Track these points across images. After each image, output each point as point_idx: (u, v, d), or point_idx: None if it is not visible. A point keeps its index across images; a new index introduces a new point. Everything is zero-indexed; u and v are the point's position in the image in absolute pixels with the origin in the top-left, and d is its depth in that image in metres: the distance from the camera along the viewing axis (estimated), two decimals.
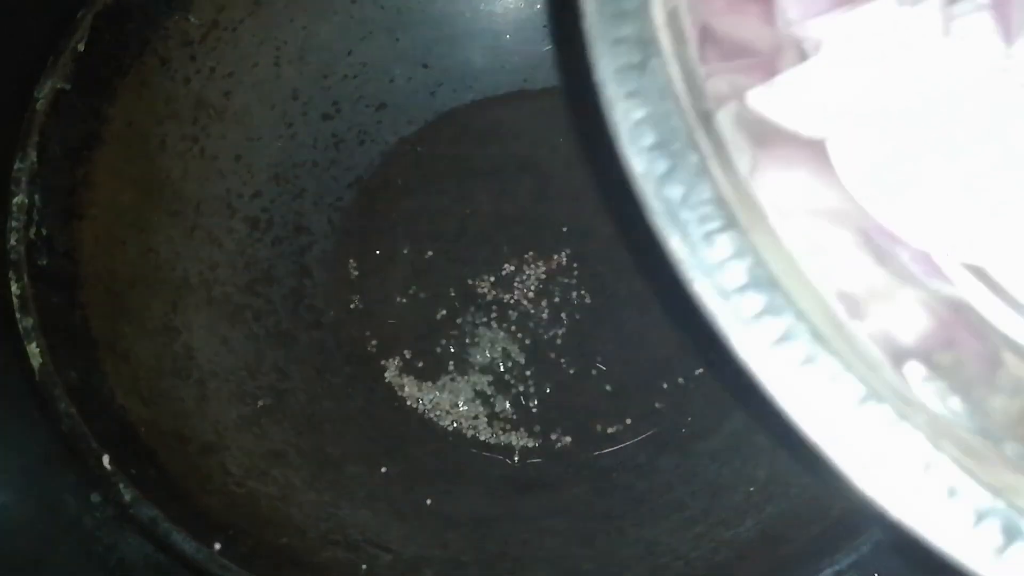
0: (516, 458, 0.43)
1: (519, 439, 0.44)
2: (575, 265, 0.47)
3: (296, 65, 0.47)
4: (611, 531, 0.40)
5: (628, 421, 0.44)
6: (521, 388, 0.45)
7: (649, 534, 0.39)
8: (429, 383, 0.45)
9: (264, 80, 0.46)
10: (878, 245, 0.23)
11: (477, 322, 0.46)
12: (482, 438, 0.44)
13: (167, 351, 0.39)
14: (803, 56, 0.24)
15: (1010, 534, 0.19)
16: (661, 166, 0.20)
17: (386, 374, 0.45)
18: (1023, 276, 0.22)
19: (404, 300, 0.47)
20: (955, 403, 0.21)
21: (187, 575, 0.36)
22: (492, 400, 0.45)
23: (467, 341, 0.46)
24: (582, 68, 0.21)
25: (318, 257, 0.47)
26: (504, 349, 0.46)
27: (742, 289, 0.20)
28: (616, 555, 0.38)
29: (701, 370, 0.45)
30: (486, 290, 0.47)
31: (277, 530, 0.35)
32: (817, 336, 0.19)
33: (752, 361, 0.19)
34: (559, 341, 0.46)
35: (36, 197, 0.36)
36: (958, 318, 0.23)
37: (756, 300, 0.20)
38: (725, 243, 0.20)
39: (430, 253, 0.48)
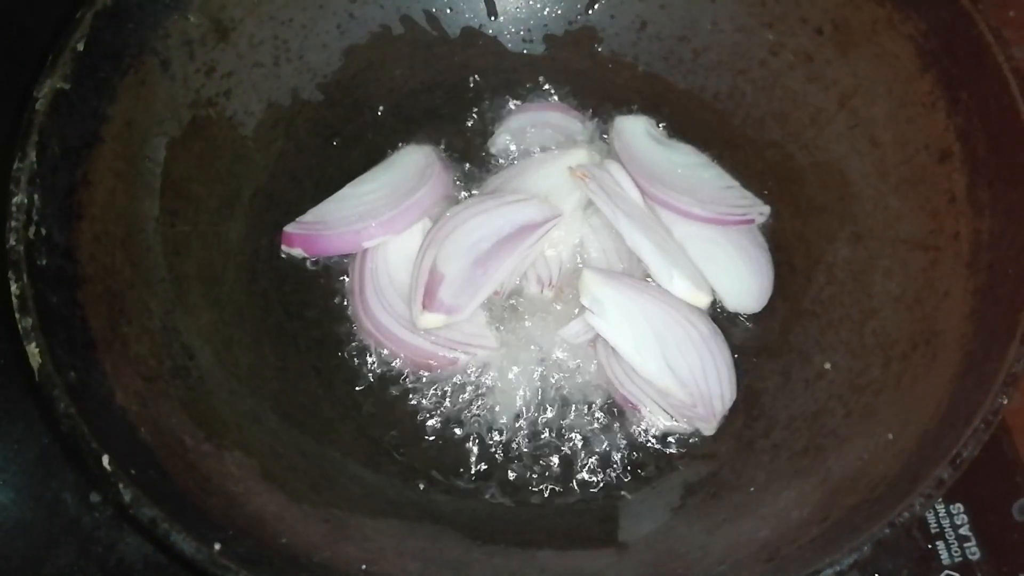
0: (516, 460, 0.43)
1: (519, 443, 0.44)
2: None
3: (295, 64, 0.47)
4: (611, 531, 0.40)
5: None
6: (520, 390, 0.45)
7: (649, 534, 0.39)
8: (427, 384, 0.45)
9: (263, 79, 0.46)
10: None
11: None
12: (484, 442, 0.44)
13: (166, 351, 0.39)
14: None
15: None
16: None
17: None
18: None
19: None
20: None
21: (187, 575, 0.36)
22: (492, 404, 0.45)
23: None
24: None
25: (318, 257, 0.47)
26: (502, 351, 0.46)
27: None
28: (616, 555, 0.38)
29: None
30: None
31: (277, 530, 0.35)
32: None
33: None
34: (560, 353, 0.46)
35: (35, 197, 0.35)
36: None
37: None
38: None
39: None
